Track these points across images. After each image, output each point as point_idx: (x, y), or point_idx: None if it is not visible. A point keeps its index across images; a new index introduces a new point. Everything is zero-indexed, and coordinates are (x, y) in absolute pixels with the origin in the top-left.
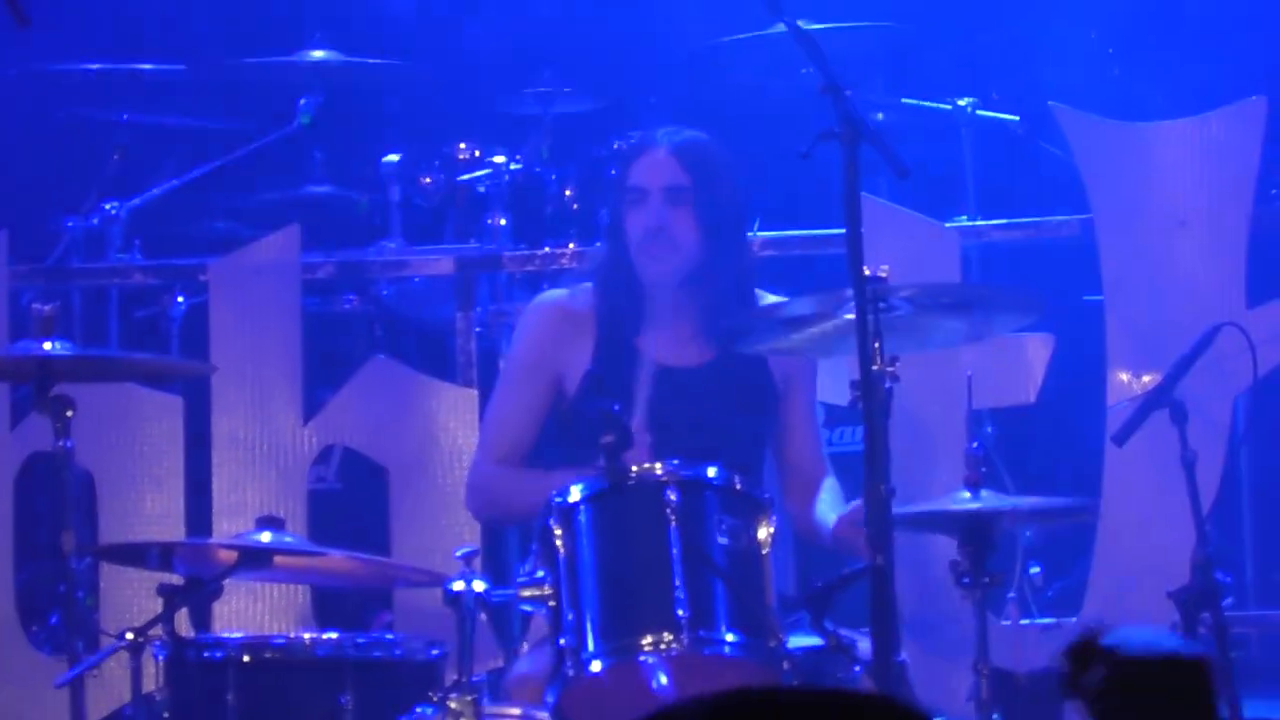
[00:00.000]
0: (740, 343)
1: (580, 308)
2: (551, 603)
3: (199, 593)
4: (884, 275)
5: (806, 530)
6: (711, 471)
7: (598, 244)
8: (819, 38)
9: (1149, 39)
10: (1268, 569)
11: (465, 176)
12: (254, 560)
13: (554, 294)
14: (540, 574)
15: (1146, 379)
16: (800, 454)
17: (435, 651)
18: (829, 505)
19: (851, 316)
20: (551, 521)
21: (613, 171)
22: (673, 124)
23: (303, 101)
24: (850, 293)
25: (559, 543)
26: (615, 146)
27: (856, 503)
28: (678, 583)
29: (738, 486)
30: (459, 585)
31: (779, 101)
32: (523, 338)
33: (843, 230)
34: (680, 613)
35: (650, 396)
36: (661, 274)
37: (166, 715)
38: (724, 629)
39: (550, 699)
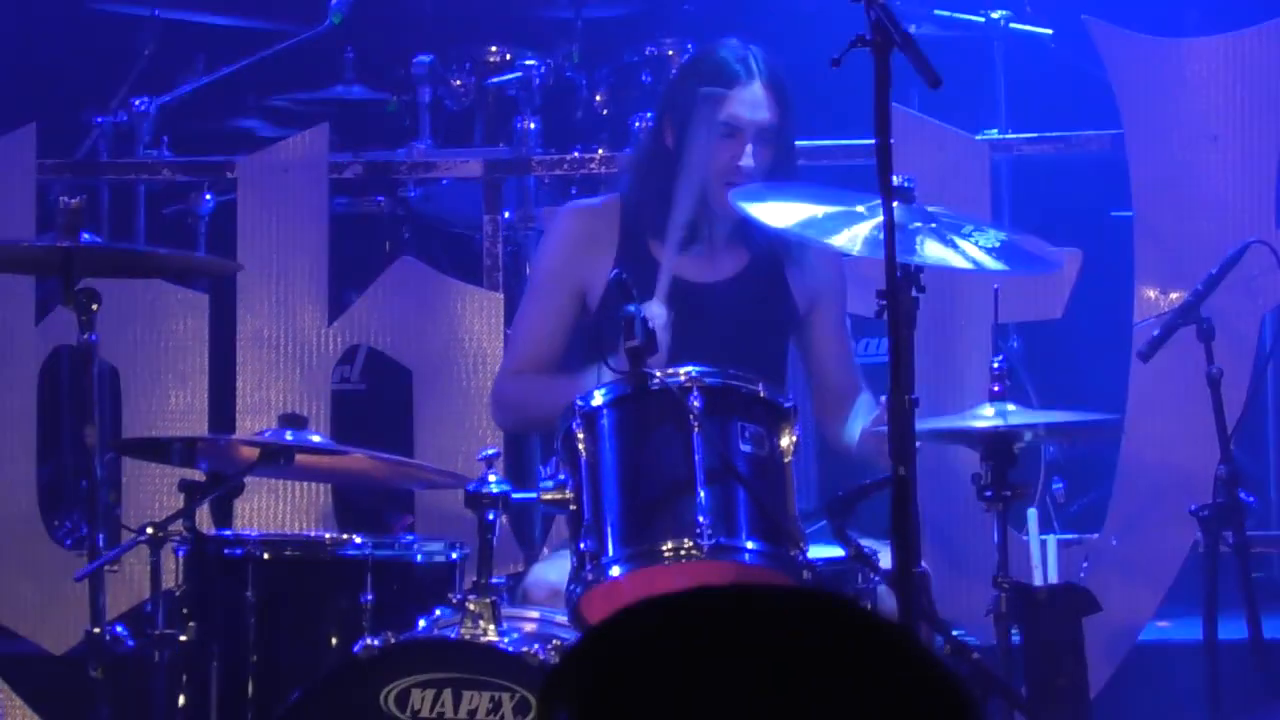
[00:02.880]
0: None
1: (606, 218)
2: (572, 506)
3: (220, 489)
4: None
5: (840, 446)
6: (735, 378)
7: (628, 151)
8: None
9: None
10: None
11: (495, 80)
12: (276, 457)
13: (580, 202)
14: (562, 477)
15: (1174, 296)
16: (829, 370)
17: (455, 553)
18: (861, 418)
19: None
20: (574, 425)
21: (649, 78)
22: (723, 35)
23: (334, 1)
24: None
25: (581, 446)
26: (653, 53)
27: (879, 412)
28: (699, 489)
29: (761, 394)
30: (480, 488)
31: (811, 8)
32: (548, 247)
33: (872, 140)
34: (701, 519)
35: (669, 311)
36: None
37: (185, 610)
38: (745, 536)
39: (569, 602)
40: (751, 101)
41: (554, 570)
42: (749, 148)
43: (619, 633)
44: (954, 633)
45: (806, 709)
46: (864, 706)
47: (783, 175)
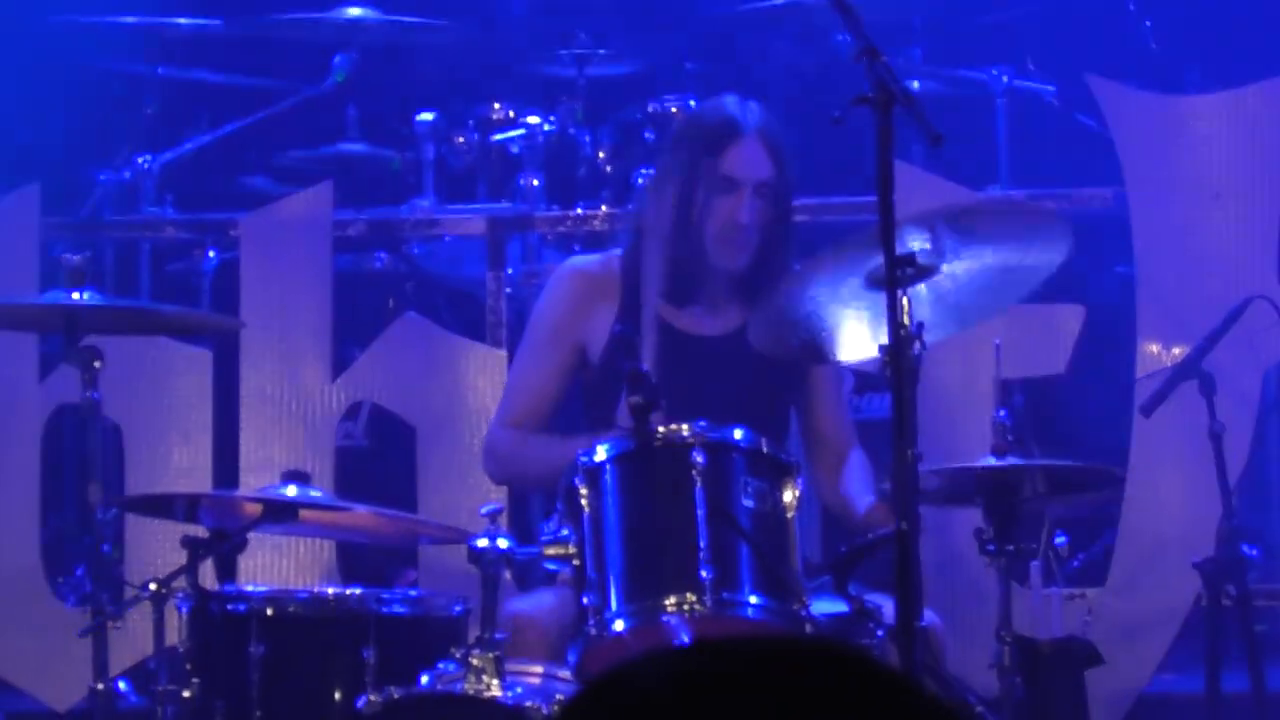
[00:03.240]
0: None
1: (607, 275)
2: (575, 562)
3: (223, 545)
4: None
5: (833, 503)
6: (738, 433)
7: (630, 207)
8: (855, 3)
9: (1186, 11)
10: None
11: (499, 136)
12: (279, 514)
13: (581, 259)
14: (565, 532)
15: (1176, 351)
16: (826, 426)
17: (459, 608)
18: (857, 480)
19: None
20: (577, 480)
21: (652, 135)
22: (724, 93)
23: (337, 59)
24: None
25: (584, 501)
26: (656, 110)
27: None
28: (702, 544)
29: (764, 449)
30: (483, 542)
31: (813, 68)
32: (549, 303)
33: (874, 198)
34: (704, 574)
35: (670, 366)
36: (736, 258)
37: (189, 666)
38: (748, 591)
39: (572, 657)
40: (746, 156)
41: (527, 602)
42: (747, 202)
43: (618, 686)
44: (957, 686)
45: None
46: None
47: (780, 231)
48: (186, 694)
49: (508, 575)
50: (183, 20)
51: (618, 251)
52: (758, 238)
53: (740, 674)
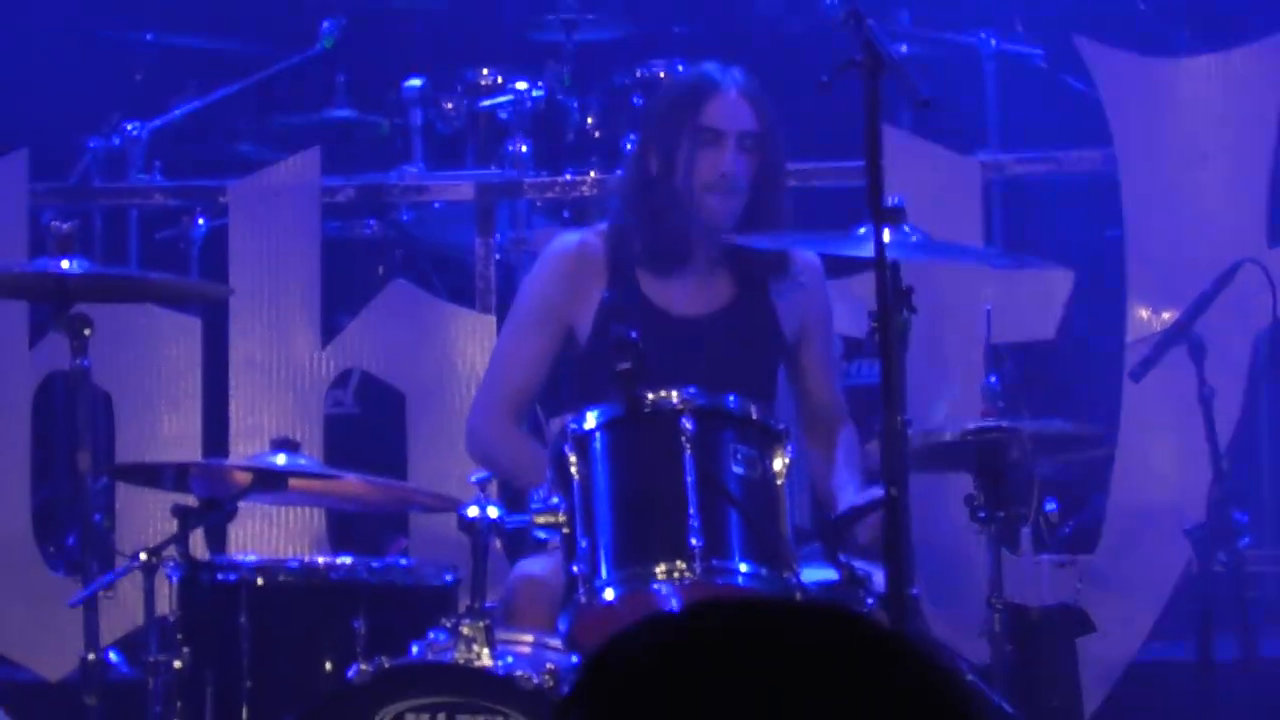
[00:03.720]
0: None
1: (594, 251)
2: (565, 530)
3: (214, 514)
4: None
5: (820, 477)
6: (728, 400)
7: (618, 173)
8: None
9: None
10: None
11: (487, 103)
12: (269, 482)
13: (568, 238)
14: (555, 500)
15: (1166, 315)
16: (817, 397)
17: (449, 577)
18: (844, 465)
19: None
20: (566, 448)
21: (640, 100)
22: (712, 60)
23: (325, 24)
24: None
25: (574, 469)
26: (644, 75)
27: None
28: (692, 511)
29: (754, 416)
30: (473, 511)
31: (801, 32)
32: (535, 283)
33: (863, 162)
34: (694, 542)
35: (658, 346)
36: (723, 215)
37: (180, 636)
38: (738, 559)
39: (562, 626)
40: (731, 108)
41: (537, 564)
42: (731, 154)
43: (621, 657)
44: (947, 653)
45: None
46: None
47: (771, 189)
48: (177, 664)
49: (498, 543)
50: None
51: (604, 226)
52: (746, 193)
53: (740, 641)
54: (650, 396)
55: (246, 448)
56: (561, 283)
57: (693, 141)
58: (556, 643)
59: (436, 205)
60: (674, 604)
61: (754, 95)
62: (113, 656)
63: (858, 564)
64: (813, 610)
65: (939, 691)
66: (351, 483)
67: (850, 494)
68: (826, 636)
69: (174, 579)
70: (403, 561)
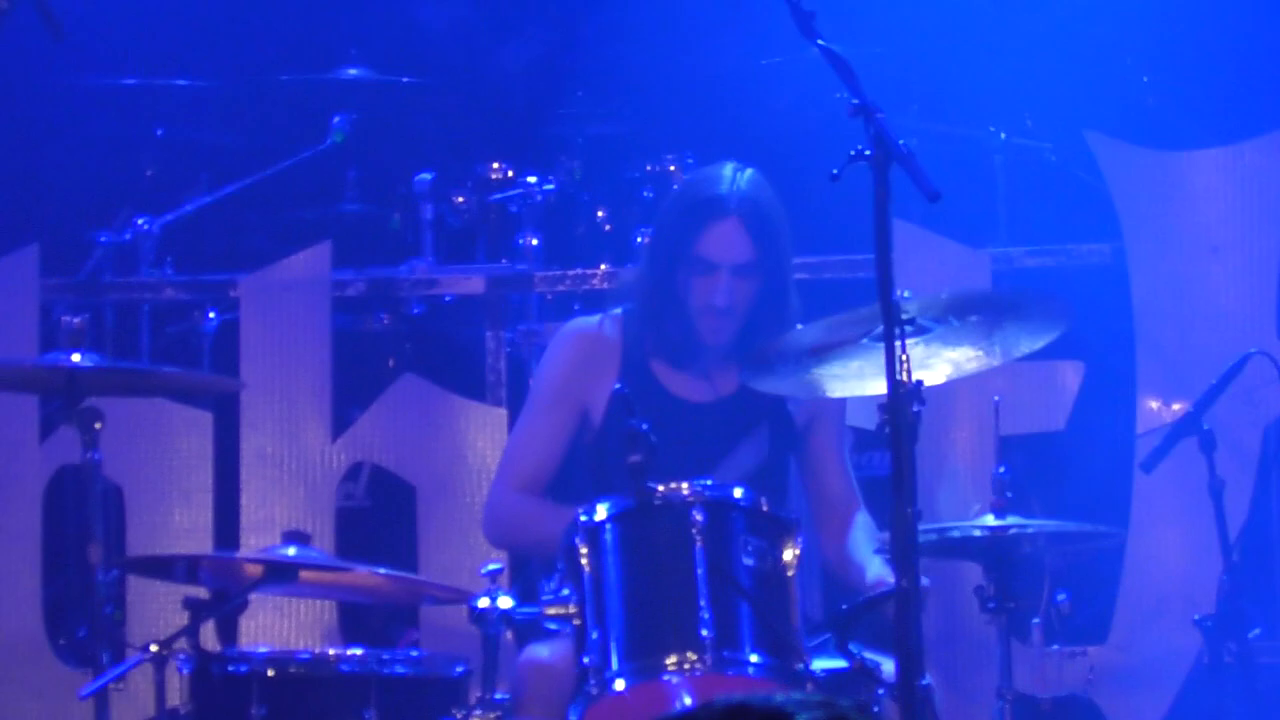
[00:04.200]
0: (767, 380)
1: (608, 336)
2: (576, 621)
3: (225, 607)
4: (905, 296)
5: (839, 565)
6: (738, 492)
7: (629, 266)
8: (851, 61)
9: (1184, 68)
10: None
11: (497, 196)
12: (280, 575)
13: (583, 322)
14: (565, 592)
15: (1176, 407)
16: (828, 488)
17: (460, 668)
18: (864, 543)
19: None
20: (577, 540)
21: (651, 194)
22: (721, 158)
23: (336, 119)
24: (870, 312)
25: (584, 561)
26: (654, 169)
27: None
28: (702, 603)
29: (764, 508)
30: (484, 602)
31: (813, 123)
32: (551, 365)
33: (873, 254)
34: (704, 633)
35: (669, 431)
36: (718, 336)
37: None
38: (748, 650)
39: (574, 717)
40: (723, 238)
41: (545, 650)
42: (724, 285)
43: None
44: None
45: None
46: None
47: (771, 310)
48: None
49: (509, 635)
50: (182, 81)
51: (619, 312)
52: (741, 316)
53: None
54: (660, 489)
55: (258, 541)
56: (576, 363)
57: (688, 268)
58: None
59: (447, 299)
60: (685, 695)
61: (754, 221)
62: None
63: (868, 654)
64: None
65: None
66: (362, 575)
67: (876, 567)
68: None
69: (185, 671)
70: (413, 653)
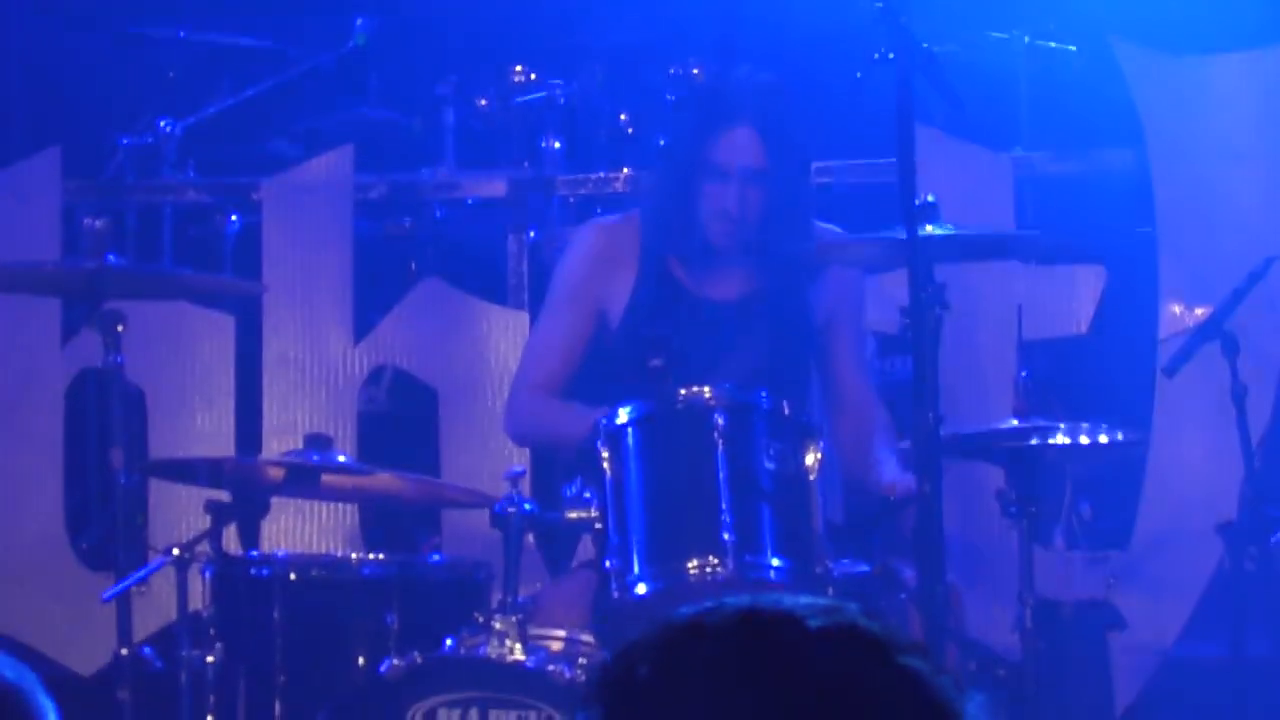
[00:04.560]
0: (789, 270)
1: (627, 236)
2: (598, 525)
3: (247, 510)
4: (930, 200)
5: (856, 468)
6: (760, 396)
7: (650, 170)
8: None
9: None
10: None
11: (520, 100)
12: (301, 478)
13: (602, 220)
14: (587, 495)
15: (1199, 311)
16: (846, 386)
17: (481, 573)
18: (881, 447)
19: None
20: (599, 444)
21: (671, 100)
22: (744, 61)
23: (359, 22)
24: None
25: (606, 465)
26: (676, 72)
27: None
28: (724, 507)
29: (785, 411)
30: (506, 507)
31: (834, 27)
32: (570, 263)
33: (895, 159)
34: (726, 537)
35: (687, 331)
36: (729, 241)
37: (212, 632)
38: (770, 554)
39: (595, 621)
40: (734, 144)
41: (564, 590)
42: (736, 191)
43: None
44: (979, 648)
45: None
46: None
47: (786, 215)
48: (210, 659)
49: (531, 539)
50: None
51: (636, 212)
52: (755, 221)
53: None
54: (682, 392)
55: (280, 444)
56: (594, 262)
57: (701, 173)
58: (589, 637)
59: (469, 202)
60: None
61: (768, 129)
62: (146, 651)
63: (890, 557)
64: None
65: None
66: (384, 479)
67: (892, 467)
68: (847, 643)
69: (207, 575)
70: (435, 557)
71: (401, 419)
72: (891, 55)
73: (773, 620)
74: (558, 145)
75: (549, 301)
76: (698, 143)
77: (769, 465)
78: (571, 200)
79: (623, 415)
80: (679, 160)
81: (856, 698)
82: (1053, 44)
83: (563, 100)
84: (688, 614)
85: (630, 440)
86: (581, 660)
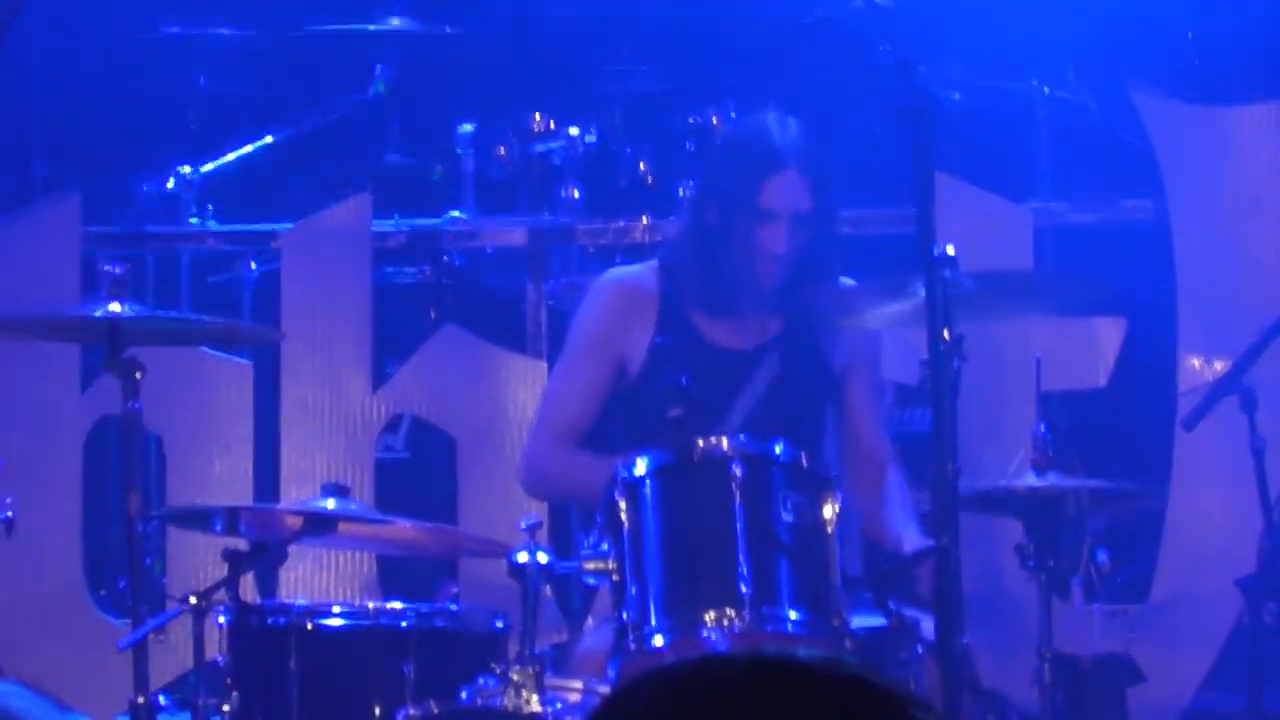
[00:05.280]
0: (809, 318)
1: (646, 286)
2: (615, 576)
3: (264, 558)
4: (950, 253)
5: (868, 521)
6: (778, 448)
7: (673, 218)
8: (894, 13)
9: (1228, 23)
10: None
11: (539, 147)
12: (319, 526)
13: (620, 271)
14: (604, 547)
15: (1218, 365)
16: (863, 440)
17: (499, 623)
18: (895, 505)
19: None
20: (616, 494)
21: (693, 146)
22: (769, 108)
23: (378, 69)
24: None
25: (623, 515)
26: (696, 121)
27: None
28: (741, 558)
29: (804, 463)
30: (523, 556)
31: (854, 76)
32: (588, 314)
33: (914, 209)
34: (743, 589)
35: (707, 380)
36: (771, 280)
37: (229, 680)
38: (787, 606)
39: (612, 673)
40: (784, 188)
41: (599, 641)
42: (784, 235)
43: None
44: (998, 701)
45: None
46: None
47: (819, 256)
48: (226, 708)
49: (548, 589)
50: (225, 30)
51: (655, 262)
52: (791, 263)
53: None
54: (700, 443)
55: (297, 492)
56: (614, 312)
57: (750, 218)
58: (606, 689)
59: (488, 250)
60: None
61: (811, 167)
62: (162, 700)
63: (907, 611)
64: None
65: None
66: (402, 527)
67: (912, 535)
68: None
69: (224, 623)
70: (452, 607)
71: (419, 467)
72: (910, 106)
73: (782, 666)
74: (577, 194)
75: (567, 351)
76: (745, 189)
77: (787, 517)
78: (591, 249)
79: (640, 466)
80: (722, 208)
81: None
82: (1072, 94)
83: (581, 148)
84: (694, 659)
85: (647, 491)
86: None
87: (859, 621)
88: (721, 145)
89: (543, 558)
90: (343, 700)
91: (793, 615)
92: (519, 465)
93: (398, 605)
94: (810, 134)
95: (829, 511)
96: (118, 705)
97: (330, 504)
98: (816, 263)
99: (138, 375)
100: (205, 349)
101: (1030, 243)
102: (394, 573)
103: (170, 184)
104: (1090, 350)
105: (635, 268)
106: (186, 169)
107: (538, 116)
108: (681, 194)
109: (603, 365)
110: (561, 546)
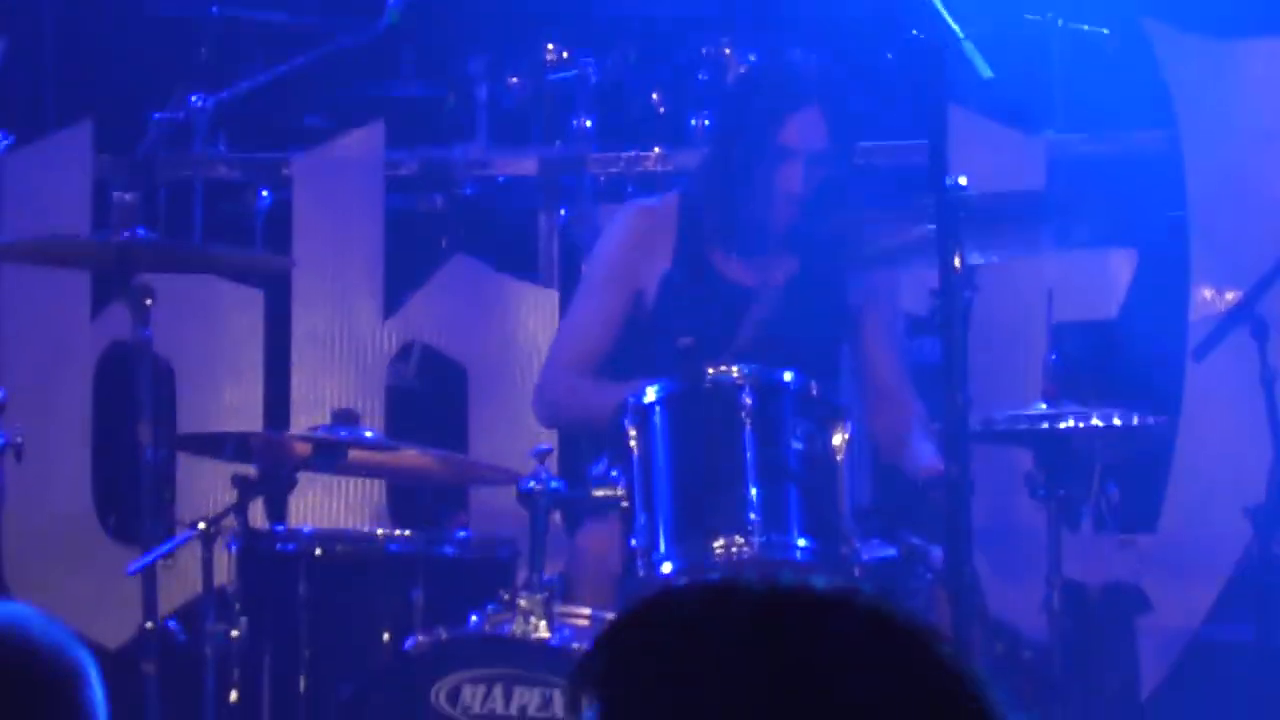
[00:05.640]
0: (823, 255)
1: (666, 217)
2: (624, 503)
3: (274, 485)
4: (962, 183)
5: (891, 452)
6: (788, 376)
7: (687, 150)
8: None
9: None
10: None
11: (552, 78)
12: (329, 454)
13: (642, 202)
14: (614, 474)
15: (1229, 296)
16: (880, 373)
17: (507, 550)
18: (916, 431)
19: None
20: (626, 421)
21: (706, 77)
22: (776, 42)
23: None
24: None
25: (633, 443)
26: (709, 52)
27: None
28: (750, 486)
29: (814, 391)
30: (532, 484)
31: (866, 8)
32: (610, 242)
33: (926, 141)
34: (752, 516)
35: (721, 315)
36: (784, 222)
37: (238, 606)
38: (796, 534)
39: (620, 600)
40: (805, 127)
41: (601, 536)
42: (802, 172)
43: (649, 619)
44: (1006, 630)
45: (829, 710)
46: (885, 710)
47: (835, 195)
48: (235, 633)
49: (557, 517)
50: None
51: (674, 195)
52: (805, 201)
53: (767, 621)
54: (710, 371)
55: (307, 420)
56: (634, 243)
57: (771, 155)
58: (613, 616)
59: (500, 180)
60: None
61: (832, 106)
62: (171, 625)
63: (916, 540)
64: (847, 595)
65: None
66: (412, 455)
67: (929, 454)
68: (858, 621)
69: (233, 549)
70: (461, 534)
71: (430, 395)
72: (923, 35)
73: (791, 591)
74: (589, 124)
75: (586, 281)
76: (768, 126)
77: (796, 445)
78: (603, 179)
79: (650, 394)
80: (743, 144)
81: (877, 676)
82: (1086, 26)
83: (594, 79)
84: (704, 584)
85: (657, 419)
86: None
87: (868, 551)
88: (744, 79)
89: (552, 485)
90: (351, 627)
91: (801, 543)
92: (534, 392)
93: (407, 532)
94: (833, 72)
95: (839, 440)
96: (127, 630)
97: (341, 431)
98: (832, 202)
99: (148, 302)
100: (216, 277)
101: (1043, 174)
102: (403, 500)
103: (183, 113)
104: (1102, 282)
105: (655, 199)
106: (198, 98)
107: (550, 47)
108: (694, 124)
109: (621, 293)
110: (571, 474)
